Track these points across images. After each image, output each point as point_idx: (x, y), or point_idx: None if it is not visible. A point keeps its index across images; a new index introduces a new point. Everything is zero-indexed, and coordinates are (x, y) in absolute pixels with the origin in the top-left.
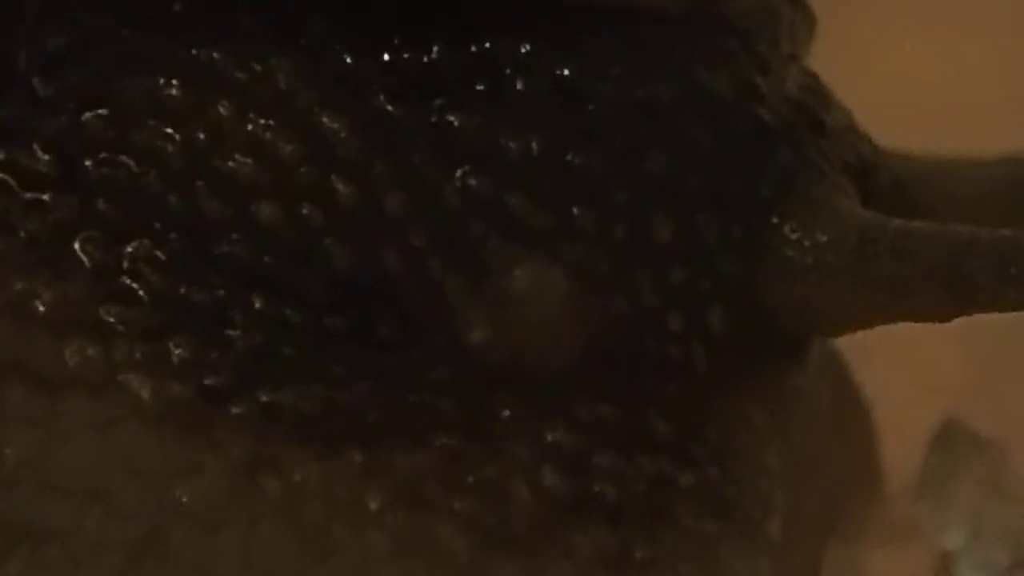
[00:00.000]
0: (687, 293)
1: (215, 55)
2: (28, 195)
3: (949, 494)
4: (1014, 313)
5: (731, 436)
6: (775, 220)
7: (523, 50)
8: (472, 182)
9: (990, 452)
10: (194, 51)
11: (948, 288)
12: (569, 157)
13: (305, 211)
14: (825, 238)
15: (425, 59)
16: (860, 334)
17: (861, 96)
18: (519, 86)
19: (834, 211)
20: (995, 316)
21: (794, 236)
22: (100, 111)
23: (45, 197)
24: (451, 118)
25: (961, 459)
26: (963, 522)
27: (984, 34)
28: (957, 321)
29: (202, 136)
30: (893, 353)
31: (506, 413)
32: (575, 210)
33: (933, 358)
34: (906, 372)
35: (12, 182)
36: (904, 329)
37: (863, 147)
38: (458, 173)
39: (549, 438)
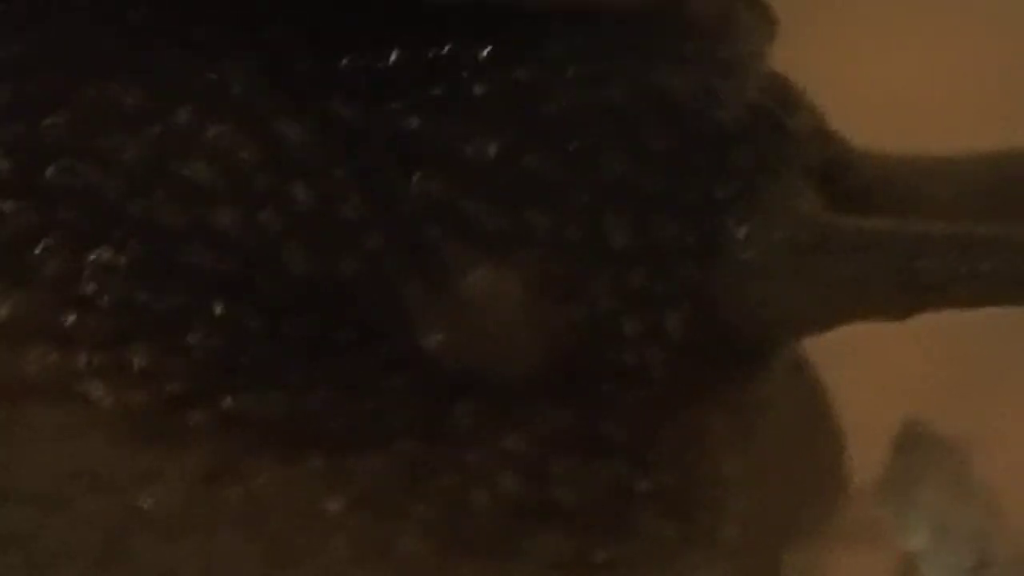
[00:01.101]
0: (644, 297)
1: (174, 62)
2: None
3: (913, 495)
4: (978, 316)
5: (689, 443)
6: (731, 222)
7: (481, 55)
8: (428, 186)
9: (954, 454)
10: (153, 58)
11: (902, 286)
12: (525, 160)
13: (263, 217)
14: (780, 239)
15: (383, 64)
16: (823, 336)
17: (835, 97)
18: (477, 90)
19: (791, 213)
20: (958, 319)
21: (750, 238)
22: (60, 118)
23: (5, 205)
24: (408, 122)
25: (925, 461)
26: (927, 523)
27: (958, 35)
28: (920, 324)
29: (162, 143)
30: (857, 356)
31: (465, 419)
32: (531, 213)
33: (897, 361)
34: (870, 375)
35: None
36: (867, 332)
37: (833, 149)
38: (415, 177)
39: (507, 445)
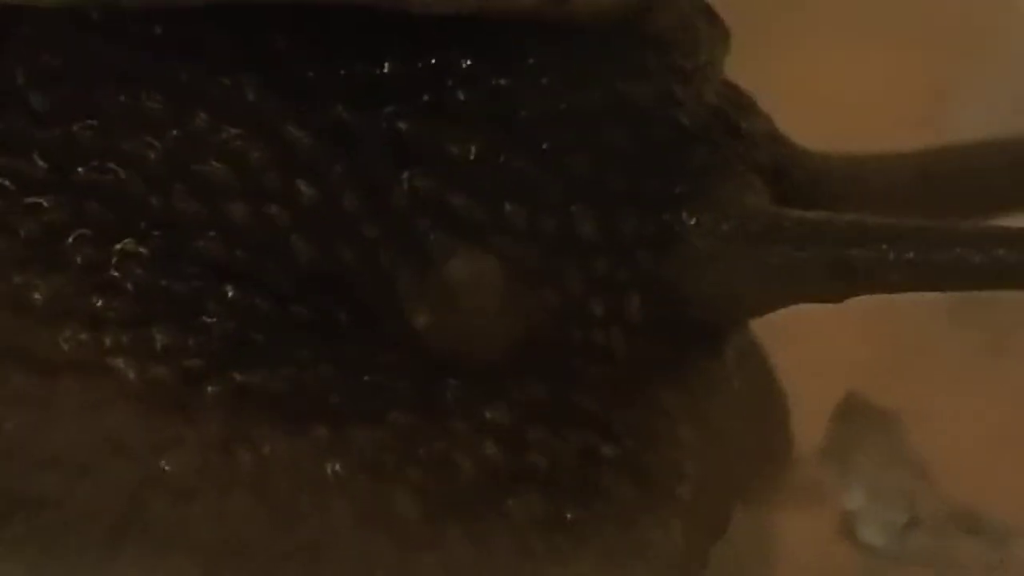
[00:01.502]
0: (608, 283)
1: (191, 71)
2: (26, 198)
3: (851, 460)
4: (908, 300)
5: (649, 414)
6: (686, 215)
7: (464, 64)
8: (418, 182)
9: (887, 423)
10: (173, 67)
11: (836, 272)
12: (503, 159)
13: (272, 210)
14: (730, 230)
15: (377, 72)
16: (770, 318)
17: (786, 104)
18: (460, 96)
19: (741, 206)
20: (891, 302)
21: (703, 229)
22: (90, 122)
23: (41, 200)
24: (400, 125)
25: (861, 429)
26: (863, 485)
27: (892, 49)
28: (858, 306)
29: (180, 144)
30: (801, 335)
31: (451, 393)
32: (508, 207)
33: (837, 340)
34: (813, 352)
35: (12, 186)
36: (810, 313)
37: (782, 150)
38: (405, 174)
39: (488, 416)
